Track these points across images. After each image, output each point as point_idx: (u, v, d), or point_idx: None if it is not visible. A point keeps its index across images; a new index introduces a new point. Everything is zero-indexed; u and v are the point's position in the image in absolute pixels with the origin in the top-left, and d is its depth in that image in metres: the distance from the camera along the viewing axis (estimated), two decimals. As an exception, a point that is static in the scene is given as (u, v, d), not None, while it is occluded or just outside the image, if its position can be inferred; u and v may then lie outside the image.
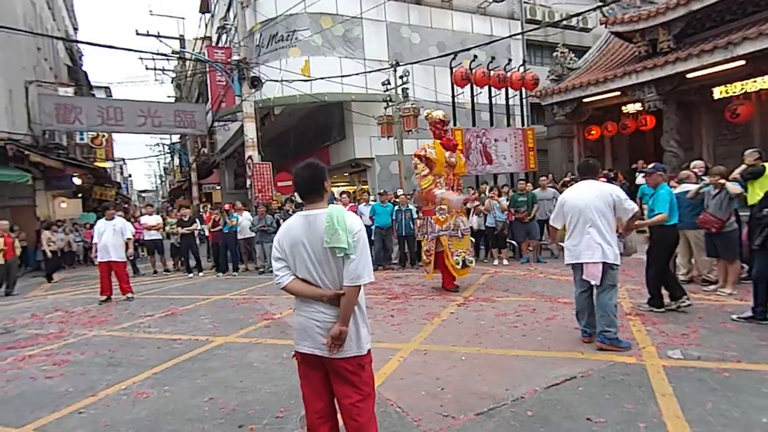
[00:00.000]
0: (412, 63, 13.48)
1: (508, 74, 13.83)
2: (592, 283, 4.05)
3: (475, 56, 13.69)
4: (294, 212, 10.19)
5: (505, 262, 9.41)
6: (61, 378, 4.22)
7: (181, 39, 27.40)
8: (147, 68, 21.36)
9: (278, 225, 10.31)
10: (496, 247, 9.68)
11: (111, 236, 7.81)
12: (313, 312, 2.21)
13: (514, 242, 9.82)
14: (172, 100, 32.19)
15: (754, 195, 5.53)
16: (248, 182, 13.41)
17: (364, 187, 16.39)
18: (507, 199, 9.55)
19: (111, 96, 29.60)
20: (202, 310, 6.85)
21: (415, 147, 15.16)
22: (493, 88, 13.71)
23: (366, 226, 10.26)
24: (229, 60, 13.99)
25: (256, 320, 5.95)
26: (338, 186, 19.68)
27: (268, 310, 6.45)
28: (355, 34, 14.92)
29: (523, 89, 14.56)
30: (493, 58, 14.15)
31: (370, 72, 13.55)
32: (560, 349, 4.09)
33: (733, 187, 5.56)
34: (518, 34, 16.70)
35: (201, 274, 10.80)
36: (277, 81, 13.12)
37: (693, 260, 6.52)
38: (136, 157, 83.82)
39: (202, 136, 22.57)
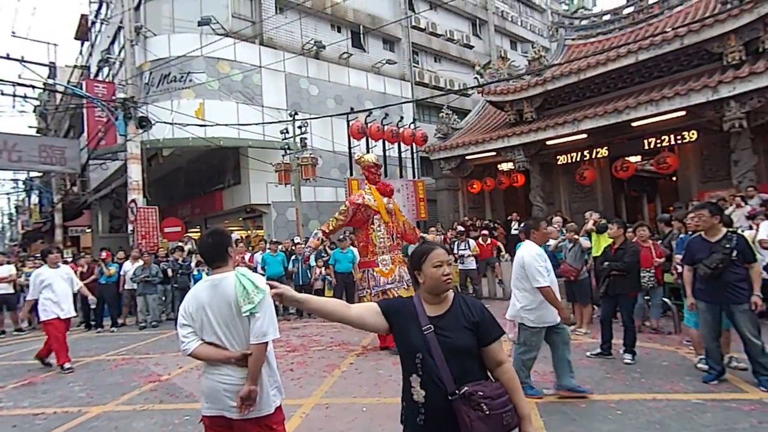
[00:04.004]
0: (312, 118, 13.95)
1: (400, 130, 14.99)
2: (509, 336, 4.23)
3: (370, 112, 14.64)
4: (184, 261, 9.65)
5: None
6: None
7: (52, 66, 24.74)
8: (3, 94, 18.89)
9: (165, 275, 9.61)
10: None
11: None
12: (221, 375, 2.25)
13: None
14: (34, 131, 28.50)
15: (598, 249, 6.69)
16: (129, 227, 12.32)
17: (259, 233, 16.04)
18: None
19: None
20: (72, 375, 6.03)
21: (312, 195, 15.56)
22: (386, 142, 14.69)
23: (260, 276, 10.02)
24: (113, 97, 13.06)
25: (140, 383, 5.43)
26: (231, 231, 18.95)
27: (153, 371, 5.92)
28: (253, 82, 15.02)
29: (414, 144, 15.81)
30: (386, 114, 15.22)
31: (270, 123, 13.65)
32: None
33: (584, 242, 6.69)
34: (412, 101, 18.29)
35: (114, 329, 9.50)
36: (168, 123, 12.54)
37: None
38: (-23, 195, 70.53)
39: (73, 174, 20.23)
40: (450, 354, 1.75)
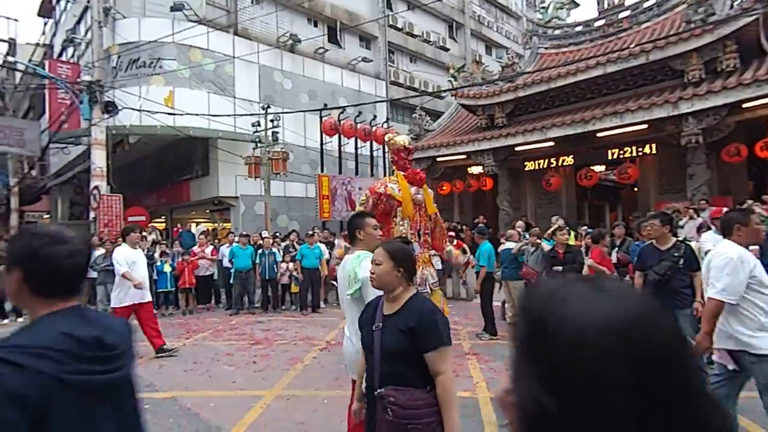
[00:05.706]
0: (285, 112, 13.83)
1: (373, 129, 15.04)
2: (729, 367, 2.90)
3: (344, 109, 14.63)
4: (148, 252, 9.42)
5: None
6: None
7: (12, 43, 23.58)
8: (-43, 70, 17.90)
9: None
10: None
11: None
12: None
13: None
14: (-10, 110, 27.01)
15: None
16: (91, 215, 11.91)
17: (226, 226, 15.78)
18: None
19: None
20: None
21: (282, 190, 15.42)
22: (359, 140, 14.73)
23: (225, 268, 9.94)
24: (78, 80, 12.56)
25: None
26: (197, 222, 18.57)
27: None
28: (226, 72, 14.75)
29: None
30: (360, 112, 15.24)
31: (243, 115, 13.43)
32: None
33: (546, 246, 6.93)
34: (386, 100, 18.37)
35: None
36: (136, 109, 12.17)
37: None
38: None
39: (32, 157, 19.35)
40: (385, 354, 1.84)
